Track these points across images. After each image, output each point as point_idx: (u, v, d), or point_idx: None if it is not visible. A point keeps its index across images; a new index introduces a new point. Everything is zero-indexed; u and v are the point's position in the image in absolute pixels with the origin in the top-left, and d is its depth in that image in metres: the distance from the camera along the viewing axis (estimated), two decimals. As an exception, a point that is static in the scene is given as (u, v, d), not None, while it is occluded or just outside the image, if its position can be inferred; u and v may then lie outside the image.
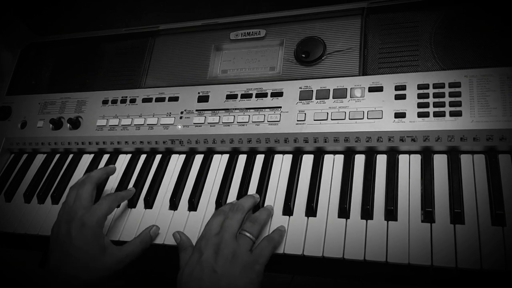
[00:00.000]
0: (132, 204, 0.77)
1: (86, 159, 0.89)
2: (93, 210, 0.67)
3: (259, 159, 0.77)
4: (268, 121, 0.76)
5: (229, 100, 0.80)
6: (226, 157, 0.79)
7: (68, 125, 0.90)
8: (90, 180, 0.71)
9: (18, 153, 0.95)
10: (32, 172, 0.90)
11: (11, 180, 0.90)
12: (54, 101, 0.94)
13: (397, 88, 0.70)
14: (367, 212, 0.64)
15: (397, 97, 0.70)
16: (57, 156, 0.91)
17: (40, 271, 0.88)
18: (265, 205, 0.70)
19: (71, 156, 0.90)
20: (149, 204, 0.76)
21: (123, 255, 0.66)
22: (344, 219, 0.64)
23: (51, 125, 0.91)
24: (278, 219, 0.67)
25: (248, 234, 0.63)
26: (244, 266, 0.59)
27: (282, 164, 0.75)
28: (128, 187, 0.80)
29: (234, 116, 0.78)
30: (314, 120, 0.73)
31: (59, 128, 0.91)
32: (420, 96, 0.69)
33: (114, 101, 0.89)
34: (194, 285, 0.58)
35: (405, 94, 0.70)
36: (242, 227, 0.64)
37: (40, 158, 0.92)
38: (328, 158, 0.73)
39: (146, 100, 0.86)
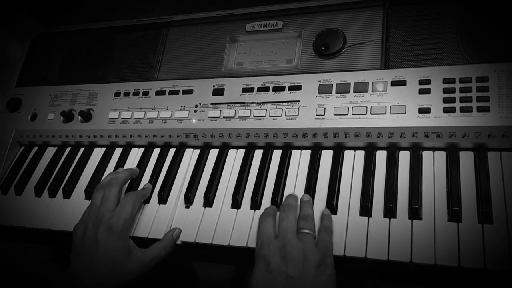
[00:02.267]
0: (146, 199, 0.75)
1: (98, 153, 0.87)
2: (118, 213, 0.65)
3: (276, 154, 0.75)
4: (286, 115, 0.73)
5: (245, 93, 0.78)
6: (242, 152, 0.77)
7: (80, 117, 0.88)
8: (117, 182, 0.70)
9: (28, 146, 0.94)
10: (43, 166, 0.88)
11: (21, 174, 0.88)
12: (65, 93, 0.92)
13: (422, 82, 0.68)
14: (390, 211, 0.61)
15: (422, 92, 0.67)
16: (68, 149, 0.89)
17: (52, 266, 0.87)
18: (282, 202, 0.68)
19: (82, 149, 0.88)
20: (163, 199, 0.74)
21: (147, 259, 0.65)
22: (366, 218, 0.62)
23: (62, 118, 0.89)
24: (297, 217, 0.65)
25: (308, 231, 0.60)
26: (317, 264, 0.56)
27: (300, 159, 0.73)
28: (142, 182, 0.78)
29: (250, 110, 0.76)
30: (334, 114, 0.71)
31: (70, 121, 0.89)
32: (445, 90, 0.66)
33: (126, 94, 0.87)
34: None
35: (429, 89, 0.67)
36: (298, 226, 0.61)
37: (50, 151, 0.91)
38: (348, 154, 0.70)
39: (160, 92, 0.84)
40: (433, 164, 0.65)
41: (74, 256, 0.64)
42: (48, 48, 1.00)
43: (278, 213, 0.64)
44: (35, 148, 0.92)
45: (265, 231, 0.60)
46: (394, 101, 0.68)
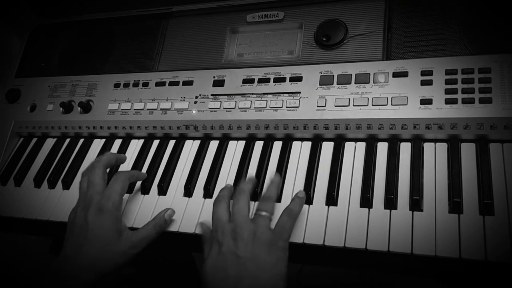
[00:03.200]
0: (145, 190, 0.75)
1: (97, 144, 0.86)
2: (107, 194, 0.65)
3: (277, 145, 0.74)
4: (286, 107, 0.73)
5: (245, 84, 0.78)
6: (242, 143, 0.76)
7: (79, 108, 0.87)
8: (99, 163, 0.69)
9: (27, 137, 0.93)
10: (42, 157, 0.88)
11: (21, 165, 0.88)
12: (64, 84, 0.92)
13: (423, 73, 0.67)
14: (391, 202, 0.61)
15: (423, 83, 0.67)
16: (68, 140, 0.89)
17: (52, 257, 0.87)
18: (283, 193, 0.68)
19: (81, 140, 0.88)
20: (163, 190, 0.74)
21: (137, 239, 0.64)
22: (367, 209, 0.62)
23: (61, 109, 0.88)
24: (297, 208, 0.65)
25: (263, 213, 0.60)
26: (267, 245, 0.57)
27: (300, 151, 0.72)
28: (141, 173, 0.78)
29: (251, 101, 0.76)
30: (335, 106, 0.70)
31: (70, 112, 0.88)
32: (447, 82, 0.66)
33: (126, 85, 0.86)
34: (220, 276, 0.56)
35: (431, 80, 0.67)
36: (257, 207, 0.62)
37: (50, 142, 0.90)
38: (349, 145, 0.70)
39: (160, 84, 0.84)
40: (435, 155, 0.65)
41: (66, 241, 0.64)
42: (47, 39, 0.99)
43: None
44: (34, 139, 0.92)
45: (218, 216, 0.61)
46: (396, 93, 0.68)
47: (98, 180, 0.67)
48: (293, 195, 0.66)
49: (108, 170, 0.72)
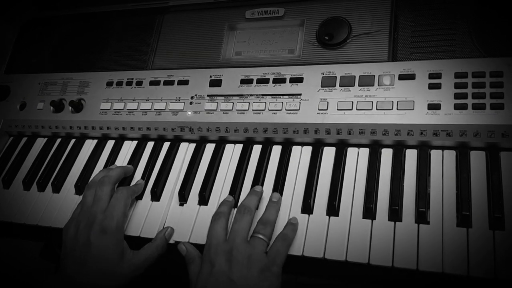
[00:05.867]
0: (138, 195, 0.71)
1: (89, 145, 0.83)
2: (110, 214, 0.62)
3: (276, 150, 0.71)
4: (286, 110, 0.69)
5: (243, 85, 0.74)
6: (239, 147, 0.73)
7: (70, 107, 0.84)
8: (109, 180, 0.67)
9: (17, 136, 0.90)
10: (32, 157, 0.85)
11: (10, 165, 0.85)
12: (55, 81, 0.88)
13: (431, 76, 0.64)
14: (395, 213, 0.58)
15: (431, 86, 0.63)
16: (58, 140, 0.85)
17: (42, 262, 0.84)
18: (282, 202, 0.64)
19: (73, 141, 0.84)
20: (156, 196, 0.70)
21: (140, 261, 0.62)
22: (370, 220, 0.59)
23: (51, 108, 0.85)
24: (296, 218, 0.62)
25: (261, 236, 0.58)
26: (261, 270, 0.55)
27: (301, 156, 0.69)
28: (134, 177, 0.75)
29: (249, 103, 0.72)
30: (338, 109, 0.67)
31: (60, 111, 0.85)
32: (457, 85, 0.62)
33: (119, 83, 0.82)
34: None
35: (440, 83, 0.63)
36: (254, 229, 0.60)
37: (40, 142, 0.87)
38: (351, 151, 0.67)
39: (154, 83, 0.80)
40: (442, 164, 0.61)
41: (66, 258, 0.61)
42: (38, 34, 0.95)
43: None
44: (24, 139, 0.89)
45: (215, 233, 0.59)
46: (402, 96, 0.64)
47: (105, 198, 0.65)
48: (292, 203, 0.64)
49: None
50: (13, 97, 0.90)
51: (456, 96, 0.61)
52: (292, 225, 0.60)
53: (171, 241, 0.65)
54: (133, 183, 0.73)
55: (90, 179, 0.71)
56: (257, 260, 0.55)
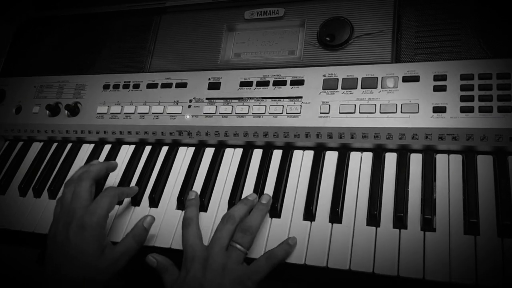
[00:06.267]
0: (136, 202, 0.70)
1: (86, 149, 0.81)
2: (92, 210, 0.60)
3: (277, 154, 0.69)
4: (287, 113, 0.68)
5: (243, 88, 0.72)
6: (239, 151, 0.71)
7: (66, 111, 0.82)
8: (88, 175, 0.64)
9: (13, 141, 0.88)
10: (28, 162, 0.83)
11: (6, 170, 0.83)
12: (50, 84, 0.86)
13: (436, 78, 0.62)
14: (400, 220, 0.56)
15: (436, 89, 0.61)
16: (55, 145, 0.84)
17: (39, 268, 0.82)
18: (283, 208, 0.63)
19: (69, 145, 0.83)
20: (154, 202, 0.69)
21: (117, 254, 0.59)
22: (374, 228, 0.57)
23: (47, 112, 0.83)
24: (298, 226, 0.60)
25: (238, 246, 0.57)
26: (234, 280, 0.54)
27: (302, 161, 0.67)
28: (132, 182, 0.73)
29: (248, 106, 0.70)
30: (340, 113, 0.65)
31: (56, 115, 0.83)
32: (463, 88, 0.60)
33: (116, 86, 0.80)
34: None
35: (445, 86, 0.61)
36: (234, 237, 0.58)
37: (36, 147, 0.85)
38: (354, 155, 0.65)
39: (151, 85, 0.78)
40: (448, 168, 0.60)
41: (47, 257, 0.60)
42: (34, 35, 0.94)
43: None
44: (20, 143, 0.87)
45: (190, 243, 0.59)
46: (406, 99, 0.62)
47: (84, 193, 0.62)
48: (294, 209, 0.62)
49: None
50: (9, 101, 0.88)
51: (462, 98, 0.60)
52: (287, 245, 0.58)
53: (166, 246, 0.63)
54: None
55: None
56: (231, 270, 0.55)
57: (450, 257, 0.52)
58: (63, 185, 0.66)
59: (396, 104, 0.62)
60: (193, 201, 0.64)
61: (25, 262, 0.84)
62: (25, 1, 0.97)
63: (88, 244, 0.58)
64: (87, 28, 0.89)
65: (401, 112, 0.62)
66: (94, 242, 0.58)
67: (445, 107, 0.60)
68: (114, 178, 0.74)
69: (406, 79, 0.63)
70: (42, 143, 0.85)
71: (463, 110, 0.59)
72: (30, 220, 0.74)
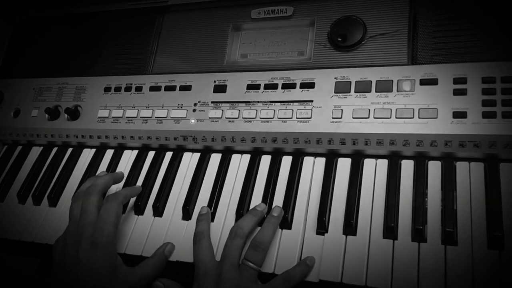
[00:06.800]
0: (139, 211, 0.67)
1: (87, 154, 0.79)
2: (100, 227, 0.57)
3: (286, 161, 0.66)
4: (297, 118, 0.64)
5: (250, 91, 0.69)
6: (247, 157, 0.68)
7: (66, 115, 0.79)
8: (95, 189, 0.61)
9: (11, 145, 0.85)
10: (27, 168, 0.80)
11: (4, 176, 0.80)
12: (50, 86, 0.83)
13: (456, 81, 0.58)
14: (419, 233, 0.53)
15: (456, 93, 0.58)
16: (55, 150, 0.81)
17: (39, 278, 0.79)
18: (293, 218, 0.60)
19: (70, 150, 0.80)
20: (158, 211, 0.66)
21: (136, 279, 0.57)
22: (391, 240, 0.54)
23: (46, 115, 0.80)
24: (310, 238, 0.57)
25: (251, 265, 0.55)
26: None
27: (313, 168, 0.64)
28: (135, 189, 0.70)
29: (256, 110, 0.67)
30: (353, 117, 0.61)
31: (56, 119, 0.80)
32: (485, 91, 0.57)
33: (117, 89, 0.77)
34: None
35: (466, 89, 0.58)
36: (245, 253, 0.56)
37: (36, 151, 0.83)
38: (369, 163, 0.62)
39: (154, 88, 0.75)
40: (469, 177, 0.56)
41: (54, 278, 0.57)
42: (32, 35, 0.91)
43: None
44: (19, 148, 0.84)
45: (202, 259, 0.57)
46: (424, 103, 0.59)
47: (92, 209, 0.59)
48: (306, 220, 0.59)
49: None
50: (7, 104, 0.85)
51: (484, 103, 0.56)
52: (306, 267, 0.55)
53: (172, 259, 0.61)
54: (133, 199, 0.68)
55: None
56: None
57: (473, 274, 0.49)
58: (71, 199, 0.63)
59: (413, 109, 0.59)
60: (204, 216, 0.62)
61: (25, 271, 0.82)
62: (25, 1, 0.94)
63: (99, 263, 0.55)
64: (87, 28, 0.86)
65: (419, 117, 0.58)
66: (106, 261, 0.55)
67: (466, 112, 0.57)
68: (116, 185, 0.71)
69: (423, 82, 0.60)
70: (41, 148, 0.82)
71: (485, 115, 0.56)
72: (30, 229, 0.71)
